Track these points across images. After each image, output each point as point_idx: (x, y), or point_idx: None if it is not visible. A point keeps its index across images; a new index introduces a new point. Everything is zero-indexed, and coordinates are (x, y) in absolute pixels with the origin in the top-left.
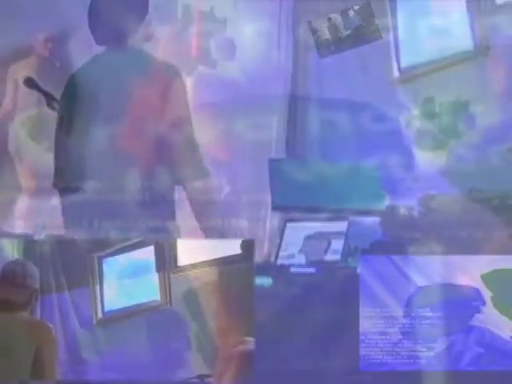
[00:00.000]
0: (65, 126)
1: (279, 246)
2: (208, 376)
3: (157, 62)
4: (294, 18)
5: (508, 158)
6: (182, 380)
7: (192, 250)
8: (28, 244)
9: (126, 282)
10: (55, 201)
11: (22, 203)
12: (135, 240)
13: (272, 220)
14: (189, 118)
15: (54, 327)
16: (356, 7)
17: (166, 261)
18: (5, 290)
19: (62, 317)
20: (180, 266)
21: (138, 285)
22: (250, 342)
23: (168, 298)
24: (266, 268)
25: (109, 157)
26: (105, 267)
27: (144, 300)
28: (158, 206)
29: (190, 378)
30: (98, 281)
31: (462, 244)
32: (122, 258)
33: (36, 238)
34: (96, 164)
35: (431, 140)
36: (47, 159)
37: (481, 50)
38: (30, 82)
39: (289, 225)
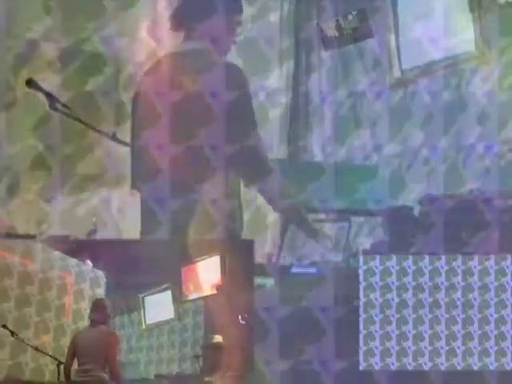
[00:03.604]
0: (139, 126)
1: (280, 246)
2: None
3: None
4: (296, 19)
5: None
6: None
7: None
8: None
9: (156, 308)
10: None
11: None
12: (162, 286)
13: (273, 220)
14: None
15: (118, 333)
16: (354, 12)
17: (177, 296)
18: (95, 315)
19: (124, 327)
20: (185, 300)
21: (162, 310)
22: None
23: (178, 316)
24: (266, 268)
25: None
26: (145, 302)
27: (166, 317)
28: None
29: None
30: (142, 308)
31: (463, 244)
32: (155, 297)
33: (37, 238)
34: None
35: None
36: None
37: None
38: (31, 83)
39: (290, 225)
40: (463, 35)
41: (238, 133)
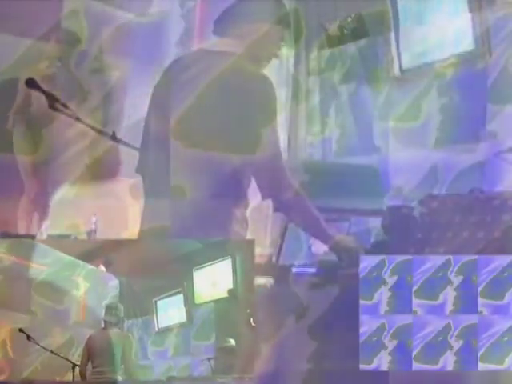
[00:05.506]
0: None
1: (280, 245)
2: (211, 358)
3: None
4: (296, 19)
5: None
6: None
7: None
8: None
9: (168, 312)
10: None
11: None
12: (173, 291)
13: (273, 220)
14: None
15: (132, 336)
16: (353, 15)
17: (189, 300)
18: (108, 317)
19: (138, 330)
20: (196, 304)
21: (174, 313)
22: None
23: (190, 320)
24: (266, 268)
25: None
26: (158, 306)
27: (178, 321)
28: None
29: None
30: (155, 312)
31: (463, 244)
32: (167, 301)
33: (37, 238)
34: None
35: None
36: None
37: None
38: (31, 83)
39: (290, 225)
40: (463, 35)
41: (260, 146)
